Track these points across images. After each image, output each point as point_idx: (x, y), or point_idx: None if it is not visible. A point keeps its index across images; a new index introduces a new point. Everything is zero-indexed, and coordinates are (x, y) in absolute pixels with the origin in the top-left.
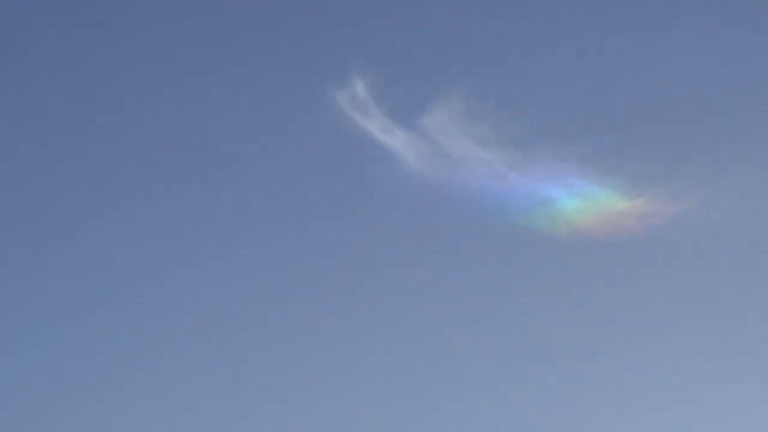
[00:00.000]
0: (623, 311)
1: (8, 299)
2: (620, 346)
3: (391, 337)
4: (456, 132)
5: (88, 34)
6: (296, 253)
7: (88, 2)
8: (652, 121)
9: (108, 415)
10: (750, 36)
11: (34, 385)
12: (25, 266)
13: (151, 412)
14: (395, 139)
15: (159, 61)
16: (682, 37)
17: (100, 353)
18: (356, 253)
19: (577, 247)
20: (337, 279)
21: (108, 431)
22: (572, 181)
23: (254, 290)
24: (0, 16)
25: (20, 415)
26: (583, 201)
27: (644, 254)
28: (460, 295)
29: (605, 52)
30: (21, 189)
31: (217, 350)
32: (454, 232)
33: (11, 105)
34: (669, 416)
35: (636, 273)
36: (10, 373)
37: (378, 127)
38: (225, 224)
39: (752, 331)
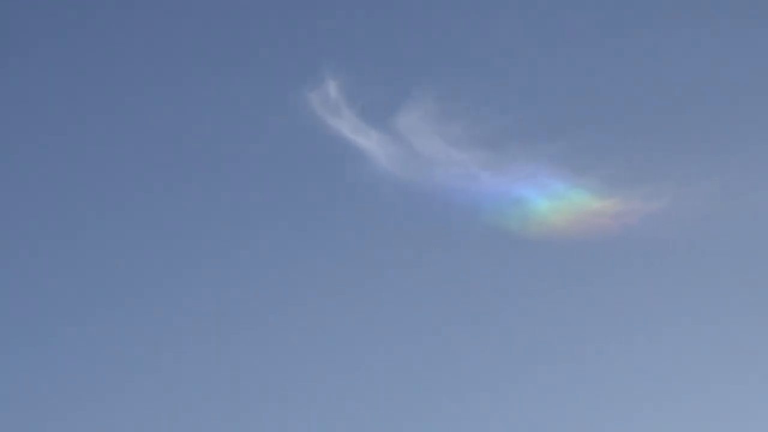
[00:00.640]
0: (598, 311)
1: (8, 299)
2: (595, 346)
3: (365, 336)
4: (428, 132)
5: (67, 37)
6: (267, 254)
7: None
8: (625, 121)
9: (107, 415)
10: (722, 36)
11: (34, 384)
12: (24, 266)
13: (151, 411)
14: (367, 140)
15: (128, 68)
16: (654, 38)
17: (99, 353)
18: (328, 254)
19: (551, 247)
20: (309, 279)
21: (108, 431)
22: (545, 180)
23: (227, 290)
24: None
25: (20, 415)
26: (556, 201)
27: (618, 254)
28: (433, 296)
29: (578, 52)
30: (20, 189)
31: (211, 350)
32: (426, 233)
33: (11, 105)
34: (649, 414)
35: (610, 273)
36: (9, 373)
37: (350, 128)
38: (197, 225)
39: (728, 328)
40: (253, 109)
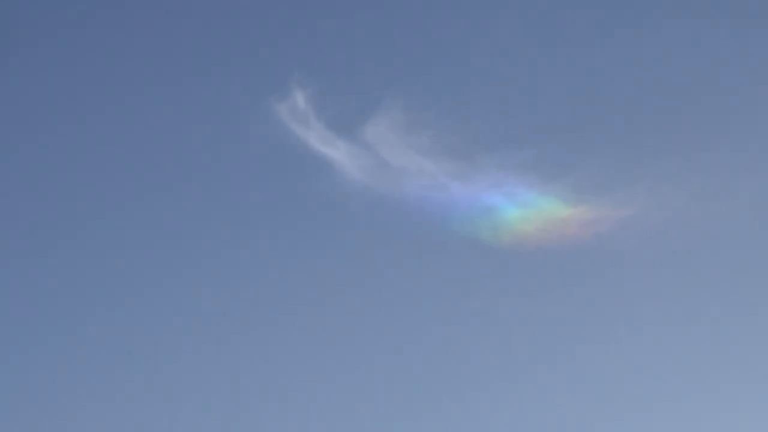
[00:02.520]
0: (569, 319)
1: (7, 299)
2: (565, 352)
3: (334, 343)
4: (397, 142)
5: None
6: (235, 265)
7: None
8: (593, 128)
9: (105, 415)
10: (689, 43)
11: (33, 384)
12: (24, 266)
13: (149, 410)
14: (336, 151)
15: (94, 77)
16: (621, 46)
17: (97, 352)
18: (297, 264)
19: (522, 256)
20: (277, 290)
21: (106, 430)
22: (514, 189)
23: (196, 295)
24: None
25: (20, 415)
26: (525, 209)
27: (588, 261)
28: (403, 305)
29: (544, 61)
30: (20, 189)
31: (190, 350)
32: (397, 243)
33: (11, 105)
34: (621, 417)
35: (582, 281)
36: (8, 373)
37: (319, 139)
38: (167, 234)
39: (696, 332)
40: (221, 120)
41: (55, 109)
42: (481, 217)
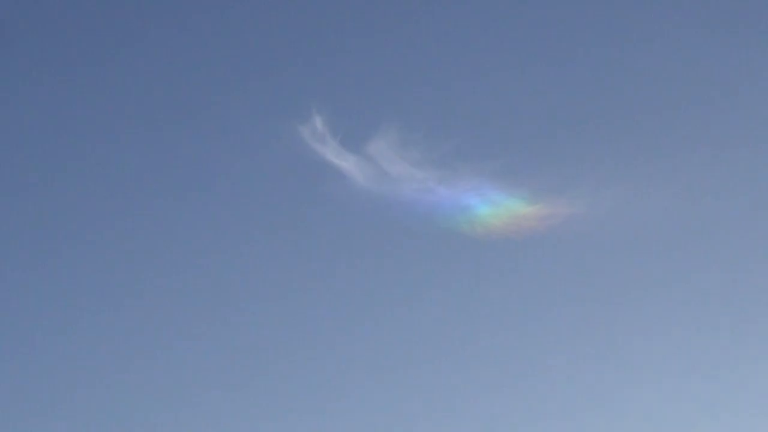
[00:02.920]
0: (525, 293)
1: (7, 299)
2: (527, 324)
3: (353, 326)
4: (394, 156)
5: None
6: (265, 255)
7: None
8: (547, 145)
9: (106, 415)
10: (635, 52)
11: (32, 383)
12: (22, 265)
13: (149, 411)
14: (346, 163)
15: (149, 97)
16: (577, 70)
17: (95, 351)
18: (315, 254)
19: (492, 244)
20: (301, 275)
21: (103, 429)
22: (486, 192)
23: (230, 288)
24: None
25: (19, 414)
26: (495, 207)
27: (543, 248)
28: (397, 284)
29: (511, 88)
30: (20, 188)
31: (206, 349)
32: (394, 235)
33: (11, 104)
34: (558, 402)
35: (538, 264)
36: (7, 372)
37: (333, 154)
38: (206, 232)
39: (631, 311)
40: (255, 139)
41: (98, 123)
42: (460, 214)
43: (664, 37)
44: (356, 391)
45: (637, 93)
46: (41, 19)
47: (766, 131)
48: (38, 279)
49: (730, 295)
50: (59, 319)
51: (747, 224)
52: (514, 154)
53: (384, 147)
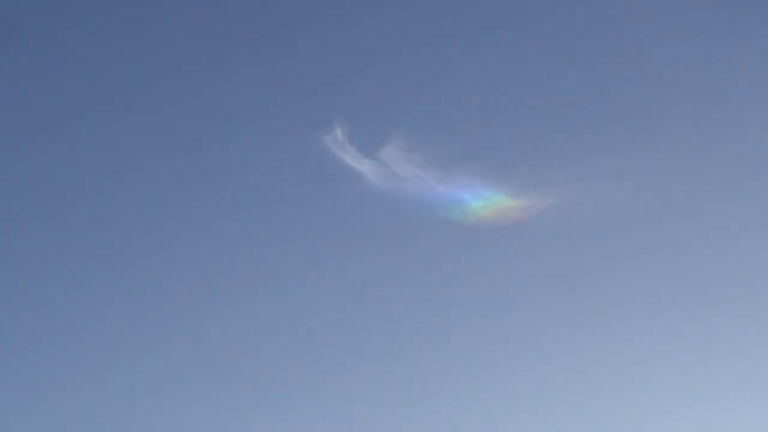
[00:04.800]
0: (512, 274)
1: (7, 298)
2: (509, 304)
3: (365, 298)
4: (401, 160)
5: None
6: (291, 247)
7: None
8: (527, 148)
9: (106, 414)
10: (610, 55)
11: (31, 382)
12: (20, 264)
13: (148, 410)
14: (362, 166)
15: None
16: (554, 81)
17: (93, 350)
18: (337, 245)
19: (482, 232)
20: (323, 259)
21: (100, 427)
22: (477, 189)
23: (254, 280)
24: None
25: (19, 413)
26: (485, 201)
27: (525, 235)
28: (403, 267)
29: (498, 99)
30: (18, 188)
31: (212, 347)
32: (402, 226)
33: (11, 104)
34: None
35: (521, 249)
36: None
37: (351, 158)
38: (241, 227)
39: (599, 290)
40: (286, 146)
41: (127, 138)
42: (456, 207)
43: (630, 44)
44: (372, 366)
45: (600, 101)
46: (68, 24)
47: (720, 126)
48: (36, 271)
49: (688, 276)
50: (59, 315)
51: (703, 212)
52: (499, 157)
53: (393, 152)
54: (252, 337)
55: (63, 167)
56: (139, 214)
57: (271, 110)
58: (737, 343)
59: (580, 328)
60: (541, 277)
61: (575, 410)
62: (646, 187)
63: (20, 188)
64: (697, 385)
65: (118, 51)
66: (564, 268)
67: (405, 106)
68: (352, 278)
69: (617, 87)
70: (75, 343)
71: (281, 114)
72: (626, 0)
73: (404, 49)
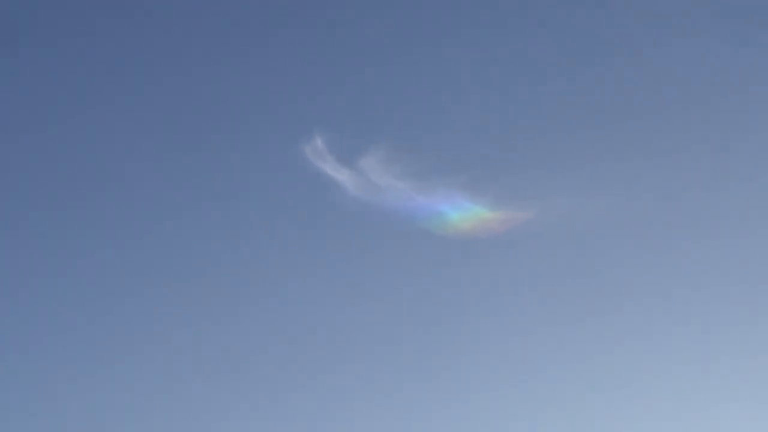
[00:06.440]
0: (490, 284)
1: (6, 298)
2: (486, 312)
3: (345, 308)
4: (381, 170)
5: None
6: (269, 256)
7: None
8: (505, 161)
9: (105, 413)
10: (589, 66)
11: (29, 381)
12: (21, 264)
13: (147, 410)
14: (342, 176)
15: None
16: (523, 100)
17: (92, 350)
18: (315, 254)
19: (461, 243)
20: (302, 268)
21: (99, 426)
22: (456, 200)
23: (241, 282)
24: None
25: (19, 414)
26: (463, 213)
27: (503, 247)
28: (382, 277)
29: (472, 116)
30: (20, 187)
31: (205, 347)
32: (380, 236)
33: (11, 104)
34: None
35: (498, 260)
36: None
37: (331, 168)
38: (222, 233)
39: (575, 299)
40: (267, 156)
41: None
42: (435, 218)
43: (609, 56)
44: (354, 377)
45: (579, 113)
46: (57, 33)
47: (700, 138)
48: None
49: (667, 288)
50: (57, 315)
51: (683, 224)
52: (478, 169)
53: (372, 163)
54: (226, 346)
55: (63, 167)
56: (118, 223)
57: (251, 119)
58: (721, 354)
59: (560, 340)
60: (520, 289)
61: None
62: (625, 199)
63: (18, 188)
64: (674, 411)
65: (106, 59)
66: (543, 280)
67: (385, 116)
68: (330, 288)
69: (596, 100)
70: (75, 343)
71: (261, 123)
72: (607, 11)
73: (385, 60)
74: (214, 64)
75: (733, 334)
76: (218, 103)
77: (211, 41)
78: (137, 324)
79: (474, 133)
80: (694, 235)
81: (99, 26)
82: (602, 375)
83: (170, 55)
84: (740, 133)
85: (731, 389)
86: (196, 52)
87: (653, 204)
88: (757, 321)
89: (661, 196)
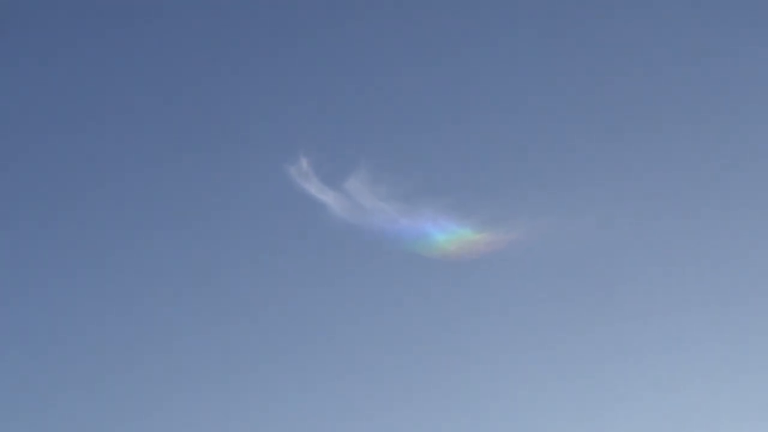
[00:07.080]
0: (474, 306)
1: (6, 298)
2: (470, 333)
3: (331, 327)
4: (366, 192)
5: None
6: (253, 277)
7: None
8: (490, 184)
9: (104, 413)
10: (574, 87)
11: (29, 380)
12: (22, 266)
13: (147, 410)
14: (327, 197)
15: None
16: (506, 124)
17: (92, 350)
18: (300, 275)
19: (446, 265)
20: (287, 289)
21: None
22: (441, 222)
23: (227, 299)
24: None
25: (18, 413)
26: (448, 235)
27: (488, 268)
28: (368, 295)
29: (458, 138)
30: (21, 188)
31: (200, 350)
32: (366, 258)
33: (14, 107)
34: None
35: (483, 281)
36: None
37: (316, 190)
38: (209, 252)
39: (557, 319)
40: (252, 176)
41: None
42: (420, 240)
43: (591, 78)
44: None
45: (564, 137)
46: (56, 37)
47: (682, 158)
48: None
49: (651, 310)
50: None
51: (668, 246)
52: (463, 191)
53: (358, 185)
54: (207, 366)
55: (63, 168)
56: (101, 242)
57: (236, 140)
58: (703, 376)
59: (546, 360)
60: (507, 310)
61: None
62: (610, 221)
63: (19, 191)
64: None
65: (93, 72)
66: (529, 301)
67: (370, 137)
68: (315, 309)
69: (580, 123)
70: (75, 343)
71: (246, 144)
72: (595, 32)
73: (370, 81)
74: (197, 85)
75: (720, 352)
76: (203, 123)
77: (196, 64)
78: (137, 324)
79: (460, 155)
80: (680, 254)
81: (95, 35)
82: (588, 397)
83: (153, 77)
84: (726, 153)
85: (711, 415)
86: (180, 74)
87: (638, 224)
88: (747, 340)
89: (646, 216)
